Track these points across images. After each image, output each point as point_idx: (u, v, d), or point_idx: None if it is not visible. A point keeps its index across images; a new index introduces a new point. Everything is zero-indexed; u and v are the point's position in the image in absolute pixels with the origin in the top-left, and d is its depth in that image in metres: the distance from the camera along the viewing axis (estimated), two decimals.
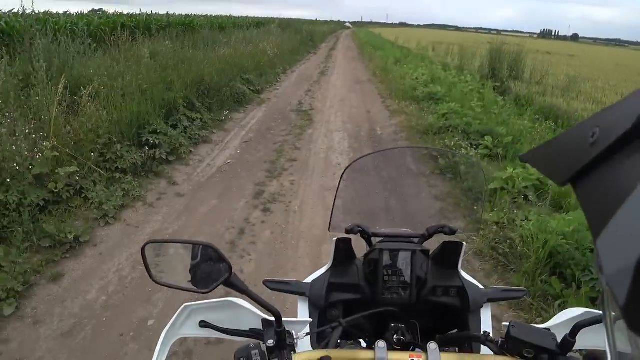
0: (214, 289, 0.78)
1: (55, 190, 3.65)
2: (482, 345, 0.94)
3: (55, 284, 2.91)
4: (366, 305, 1.05)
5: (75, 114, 4.64)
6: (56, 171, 3.75)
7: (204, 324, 0.99)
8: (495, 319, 2.32)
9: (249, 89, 8.97)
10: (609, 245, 0.25)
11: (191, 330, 1.02)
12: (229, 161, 5.43)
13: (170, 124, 5.64)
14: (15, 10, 8.53)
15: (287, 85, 11.29)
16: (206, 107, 6.91)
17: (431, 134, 6.63)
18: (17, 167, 3.42)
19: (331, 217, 1.24)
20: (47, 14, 9.93)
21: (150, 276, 0.84)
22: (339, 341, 0.96)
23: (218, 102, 7.42)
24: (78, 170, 3.93)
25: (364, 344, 1.06)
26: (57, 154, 3.89)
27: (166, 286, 0.84)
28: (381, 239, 1.17)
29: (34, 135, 3.86)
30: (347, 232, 1.13)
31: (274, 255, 3.44)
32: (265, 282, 1.12)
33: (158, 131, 5.17)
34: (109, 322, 2.63)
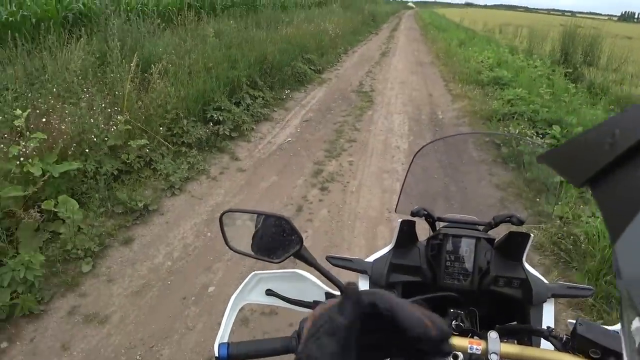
0: (285, 259, 0.81)
1: (128, 161, 3.88)
2: (542, 341, 0.91)
3: (127, 247, 3.12)
4: (426, 289, 1.05)
5: (145, 90, 4.87)
6: (128, 143, 3.98)
7: (270, 292, 1.03)
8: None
9: (310, 68, 8.99)
10: (627, 249, 0.25)
11: (258, 297, 1.06)
12: (289, 139, 5.50)
13: (234, 102, 5.79)
14: None
15: (348, 65, 11.19)
16: (268, 85, 7.02)
17: (495, 120, 6.36)
18: (94, 139, 3.66)
19: (398, 199, 1.24)
20: None
21: (226, 243, 0.88)
22: None
23: (280, 81, 7.51)
24: (148, 143, 4.15)
25: None
26: (130, 127, 4.12)
27: (240, 253, 0.88)
28: (446, 224, 1.16)
29: (109, 110, 4.11)
30: (413, 214, 1.13)
31: (329, 234, 3.48)
32: (328, 258, 1.13)
33: (222, 108, 5.32)
34: (173, 286, 2.79)
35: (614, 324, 0.97)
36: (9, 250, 2.66)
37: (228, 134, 5.13)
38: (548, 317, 1.03)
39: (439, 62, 12.46)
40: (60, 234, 2.94)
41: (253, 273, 1.05)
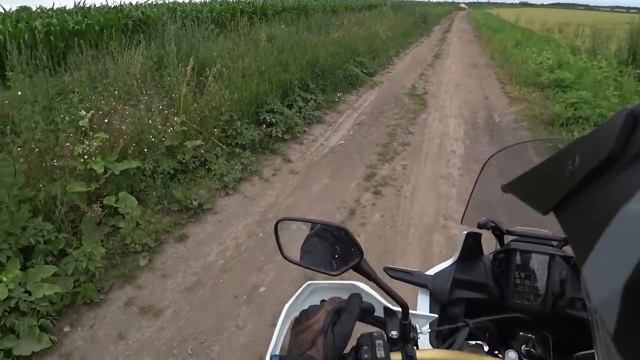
0: (343, 272, 0.76)
1: (183, 161, 3.99)
2: None
3: (181, 244, 3.19)
4: (492, 307, 0.98)
5: (201, 93, 5.00)
6: (184, 144, 4.09)
7: None
8: None
9: (362, 71, 8.93)
10: (594, 272, 0.26)
11: None
12: (342, 142, 5.47)
13: (286, 104, 5.84)
14: (150, 1, 9.45)
15: (400, 68, 11.05)
16: (320, 88, 7.03)
17: (557, 124, 6.04)
18: (152, 139, 3.78)
19: (465, 210, 1.18)
20: (175, 2, 10.87)
21: (281, 252, 0.84)
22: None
23: (332, 83, 7.50)
24: (203, 143, 4.25)
25: (485, 348, 0.97)
26: (185, 128, 4.23)
27: (295, 264, 0.83)
28: (515, 237, 1.08)
29: (166, 111, 4.24)
30: (480, 226, 1.06)
31: (382, 239, 3.40)
32: (387, 269, 1.08)
33: (275, 110, 5.37)
34: (225, 284, 2.81)
35: None
36: (73, 242, 2.79)
37: (280, 136, 5.16)
38: None
39: (495, 64, 12.04)
40: (120, 228, 3.05)
41: (308, 283, 0.98)
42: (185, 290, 2.75)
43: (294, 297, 0.98)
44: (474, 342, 0.90)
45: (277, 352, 0.82)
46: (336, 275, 0.77)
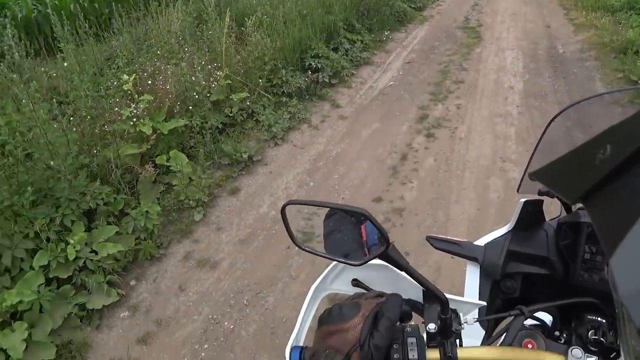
0: (366, 262, 0.64)
1: (231, 115, 3.97)
2: None
3: (234, 197, 3.22)
4: (554, 284, 0.85)
5: (243, 44, 4.90)
6: (230, 97, 4.06)
7: (356, 283, 0.88)
8: None
9: (410, 6, 8.36)
10: (623, 264, 0.26)
11: (342, 286, 0.91)
12: (391, 83, 5.22)
13: (332, 47, 5.60)
14: None
15: (451, 0, 10.24)
16: (366, 28, 6.68)
17: (630, 52, 5.34)
18: (197, 96, 3.77)
19: (523, 177, 1.01)
20: None
21: (292, 240, 0.71)
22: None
23: (378, 22, 7.09)
24: (249, 95, 4.19)
25: (542, 326, 0.83)
26: (230, 81, 4.19)
27: (311, 253, 0.71)
28: None
29: (209, 66, 4.20)
30: (541, 193, 0.93)
31: (436, 184, 3.26)
32: (430, 239, 0.96)
33: (320, 55, 5.18)
34: (277, 235, 2.82)
35: None
36: (132, 202, 2.89)
37: (328, 81, 5.00)
38: None
39: None
40: (174, 185, 3.12)
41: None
42: (239, 242, 2.79)
43: (321, 277, 0.88)
44: (530, 324, 0.77)
45: (301, 343, 0.73)
46: (358, 265, 0.66)
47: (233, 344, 2.17)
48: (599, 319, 0.75)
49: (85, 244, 2.47)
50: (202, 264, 2.62)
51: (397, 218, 2.90)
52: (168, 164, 3.17)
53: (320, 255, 0.70)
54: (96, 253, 2.47)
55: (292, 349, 0.65)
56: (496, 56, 5.96)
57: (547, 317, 0.85)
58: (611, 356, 0.70)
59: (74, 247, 2.39)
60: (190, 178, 3.18)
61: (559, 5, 8.81)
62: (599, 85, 4.79)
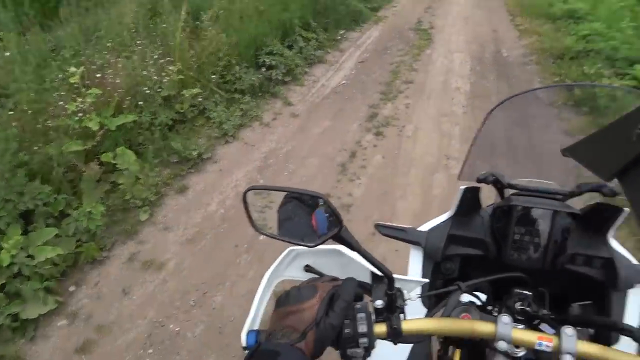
0: (320, 243, 0.69)
1: (181, 111, 3.91)
2: (622, 337, 0.77)
3: (182, 196, 3.19)
4: (487, 263, 0.93)
5: (197, 39, 4.82)
6: (182, 93, 3.99)
7: (308, 269, 0.93)
8: None
9: (366, 6, 8.45)
10: None
11: (295, 272, 0.96)
12: (344, 82, 5.28)
13: (287, 45, 5.60)
14: None
15: (407, 1, 10.43)
16: (322, 26, 6.70)
17: (567, 58, 5.72)
18: (148, 91, 3.69)
19: (464, 165, 1.11)
20: None
21: (252, 224, 0.76)
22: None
23: (334, 21, 7.14)
24: (201, 91, 4.14)
25: (478, 303, 0.91)
26: (182, 77, 4.11)
27: (269, 236, 0.76)
28: (517, 191, 1.01)
29: (161, 60, 4.10)
30: (479, 180, 1.01)
31: (383, 181, 3.35)
32: (378, 226, 1.03)
33: (274, 52, 5.17)
34: (226, 233, 2.83)
35: None
36: (73, 202, 2.80)
37: (281, 79, 5.00)
38: (634, 306, 0.86)
39: None
40: (120, 184, 3.05)
41: (290, 248, 0.93)
42: (186, 242, 2.77)
43: (275, 264, 0.93)
44: (466, 301, 0.85)
45: (256, 327, 0.77)
46: (313, 246, 0.70)
47: (179, 347, 2.16)
48: (525, 292, 0.83)
49: (22, 248, 2.36)
50: (148, 266, 2.58)
51: (345, 213, 2.97)
52: (114, 162, 3.09)
53: (279, 239, 0.75)
54: (33, 258, 2.37)
55: (248, 332, 0.70)
56: (445, 58, 6.15)
57: (482, 297, 0.93)
58: (534, 322, 0.79)
59: (9, 252, 2.29)
60: (137, 176, 3.12)
61: (506, 11, 9.18)
62: (540, 100, 5.04)
